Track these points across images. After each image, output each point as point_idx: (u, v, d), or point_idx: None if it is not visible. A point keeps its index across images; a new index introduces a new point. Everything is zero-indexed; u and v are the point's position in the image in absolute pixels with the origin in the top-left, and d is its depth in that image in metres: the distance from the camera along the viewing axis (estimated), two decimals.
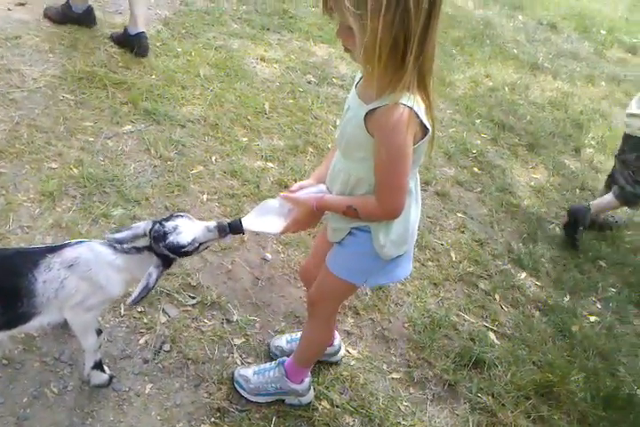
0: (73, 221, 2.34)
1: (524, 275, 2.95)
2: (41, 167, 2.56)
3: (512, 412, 2.21)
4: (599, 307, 2.91)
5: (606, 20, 7.15)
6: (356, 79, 1.54)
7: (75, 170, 2.60)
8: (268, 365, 2.06)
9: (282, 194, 1.64)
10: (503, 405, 2.23)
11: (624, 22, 7.43)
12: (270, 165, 3.09)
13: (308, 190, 1.64)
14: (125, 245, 1.64)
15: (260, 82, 3.79)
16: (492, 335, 2.54)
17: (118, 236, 1.64)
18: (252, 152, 3.14)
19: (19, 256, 1.60)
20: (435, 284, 2.72)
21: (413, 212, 1.59)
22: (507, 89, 4.75)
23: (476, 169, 3.67)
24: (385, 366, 2.27)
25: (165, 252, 1.60)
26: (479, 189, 3.49)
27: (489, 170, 3.69)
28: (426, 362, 2.33)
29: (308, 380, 2.03)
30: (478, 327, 2.56)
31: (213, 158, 3.00)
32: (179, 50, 3.81)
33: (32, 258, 1.57)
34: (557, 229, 3.37)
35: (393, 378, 2.23)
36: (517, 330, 2.60)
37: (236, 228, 1.62)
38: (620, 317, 2.87)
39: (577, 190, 3.76)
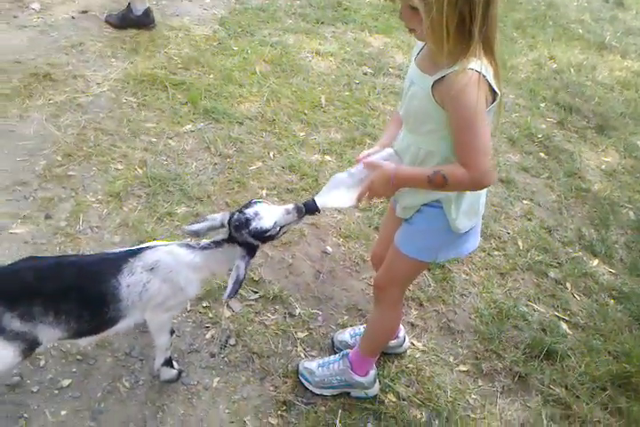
0: (139, 220, 2.42)
1: (596, 262, 2.82)
2: (107, 169, 2.66)
3: (587, 404, 2.12)
4: None
5: None
6: (414, 53, 1.54)
7: (139, 170, 2.69)
8: (332, 357, 2.06)
9: (360, 161, 1.60)
10: (577, 397, 2.14)
11: None
12: (328, 158, 3.09)
13: (378, 155, 1.60)
14: (204, 242, 1.66)
15: (316, 76, 3.80)
16: (564, 325, 2.45)
17: (195, 227, 1.66)
18: (310, 146, 3.15)
19: (102, 263, 1.63)
20: (501, 273, 2.65)
21: None
22: (572, 70, 4.56)
23: (542, 154, 3.54)
24: (451, 359, 2.22)
25: (249, 239, 1.59)
26: (546, 175, 3.36)
27: (556, 155, 3.55)
28: (494, 354, 2.27)
29: (373, 372, 2.01)
30: (549, 317, 2.47)
31: (271, 154, 3.02)
32: (235, 48, 3.86)
33: (115, 263, 1.59)
34: (631, 213, 3.20)
35: (460, 370, 2.19)
36: (591, 319, 2.49)
37: (311, 207, 1.60)
38: None
39: None
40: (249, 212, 1.58)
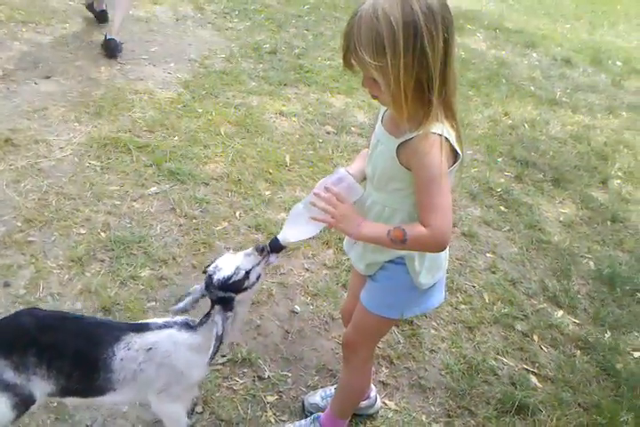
0: (102, 285, 2.38)
1: (561, 313, 2.86)
2: (69, 233, 2.63)
3: None
4: None
5: (620, 52, 7.18)
6: (381, 112, 1.58)
7: (102, 234, 2.66)
8: (303, 421, 2.02)
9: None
10: None
11: (638, 52, 7.43)
12: None
13: (330, 178, 1.57)
14: (201, 319, 1.63)
15: (280, 135, 3.88)
16: (533, 378, 2.45)
17: (180, 306, 1.63)
18: (276, 205, 3.18)
19: (102, 327, 1.60)
20: (469, 328, 2.66)
21: None
22: (527, 126, 4.76)
23: (502, 208, 3.63)
24: (424, 418, 2.19)
25: (220, 293, 1.56)
26: (507, 228, 3.44)
27: (515, 208, 3.65)
28: (467, 410, 2.25)
29: None
30: (518, 371, 2.47)
31: (237, 213, 3.04)
32: (199, 110, 3.94)
33: (115, 333, 1.57)
34: (591, 263, 3.29)
35: None
36: (559, 371, 2.50)
37: (275, 245, 1.58)
38: None
39: (608, 223, 3.68)
40: (210, 268, 1.58)
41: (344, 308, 2.04)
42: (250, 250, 1.59)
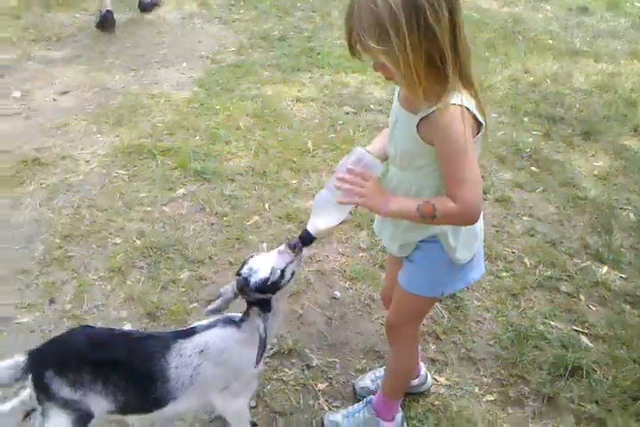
0: (144, 291, 2.44)
1: (605, 269, 2.80)
2: (106, 245, 2.70)
3: (621, 416, 2.07)
4: None
5: None
6: (396, 92, 1.57)
7: (138, 242, 2.72)
8: (356, 406, 2.04)
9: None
10: (610, 411, 2.10)
11: None
12: None
13: (348, 158, 1.54)
14: (241, 316, 1.64)
15: (300, 122, 3.87)
16: (584, 339, 2.41)
17: (213, 306, 1.64)
18: (303, 193, 3.18)
19: (151, 339, 1.63)
20: (513, 294, 2.63)
21: None
22: (549, 81, 4.62)
23: (533, 168, 3.55)
24: (477, 389, 2.19)
25: (257, 296, 1.56)
26: (541, 189, 3.37)
27: (547, 166, 3.56)
28: (520, 378, 2.24)
29: (399, 415, 1.99)
30: (568, 333, 2.44)
31: (267, 206, 3.06)
32: (217, 107, 3.96)
33: (164, 342, 1.59)
34: (632, 215, 3.19)
35: (488, 400, 2.15)
36: (611, 329, 2.46)
37: (307, 238, 1.57)
38: None
39: None
40: (243, 271, 1.56)
41: (383, 291, 2.05)
42: (282, 247, 1.57)
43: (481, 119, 1.38)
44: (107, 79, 4.24)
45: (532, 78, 4.66)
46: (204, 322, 1.69)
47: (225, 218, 2.93)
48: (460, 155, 1.36)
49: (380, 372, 2.14)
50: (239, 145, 3.56)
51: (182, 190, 3.11)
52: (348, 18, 1.32)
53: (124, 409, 1.58)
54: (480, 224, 1.63)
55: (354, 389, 2.14)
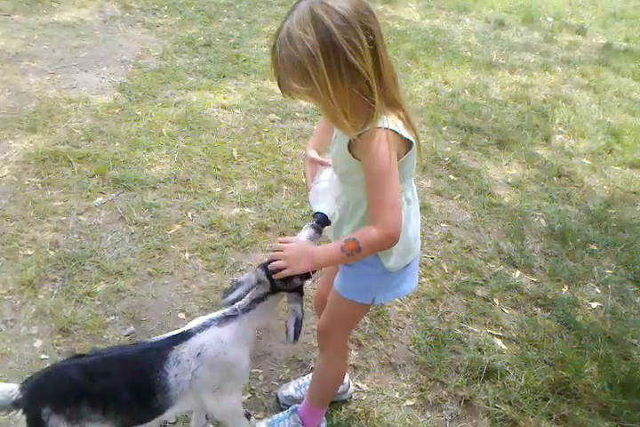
0: (57, 305, 2.34)
1: (518, 273, 2.93)
2: (16, 257, 2.57)
3: (532, 417, 2.17)
4: (598, 292, 2.88)
5: (550, 7, 7.27)
6: None
7: (51, 253, 2.61)
8: (281, 414, 2.04)
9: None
10: (522, 411, 2.19)
11: (568, 6, 7.54)
12: (248, 210, 3.11)
13: (326, 173, 1.69)
14: (246, 302, 1.63)
15: (225, 129, 3.84)
16: (498, 342, 2.52)
17: (233, 296, 1.63)
18: (228, 201, 3.16)
19: (146, 353, 1.58)
20: (432, 300, 2.71)
21: (413, 220, 1.65)
22: (467, 92, 4.80)
23: (451, 176, 3.68)
24: (397, 395, 2.24)
25: (298, 282, 1.61)
26: (459, 196, 3.50)
27: (465, 175, 3.70)
28: (438, 382, 2.30)
29: (324, 425, 2.01)
30: (483, 336, 2.54)
31: (189, 214, 3.01)
32: (138, 113, 3.87)
33: (159, 353, 1.56)
34: (542, 220, 3.37)
35: (407, 405, 2.20)
36: (523, 331, 2.58)
37: (323, 220, 1.65)
38: (621, 297, 2.86)
39: (554, 178, 3.77)
40: None
41: (317, 295, 2.06)
42: (312, 234, 1.62)
43: (410, 137, 1.43)
44: (20, 83, 4.06)
45: (450, 89, 4.83)
46: (199, 322, 1.66)
47: (145, 227, 2.86)
48: (382, 178, 1.42)
49: (304, 380, 2.15)
50: (161, 152, 3.49)
51: (100, 199, 3.01)
52: (273, 61, 1.36)
53: (125, 425, 1.54)
54: (416, 236, 1.69)
55: (277, 398, 2.13)
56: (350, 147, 1.46)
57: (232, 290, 1.64)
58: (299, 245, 1.56)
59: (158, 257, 2.69)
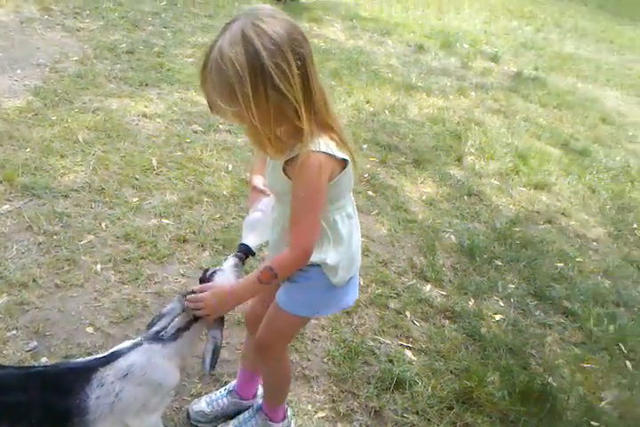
0: None
1: (429, 287, 3.05)
2: None
3: (438, 425, 2.26)
4: (502, 305, 3.05)
5: (467, 35, 7.66)
6: None
7: None
8: (246, 414, 2.06)
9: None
10: (429, 420, 2.28)
11: (483, 34, 7.98)
12: (166, 221, 3.06)
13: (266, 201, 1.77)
14: (170, 331, 1.61)
15: (145, 138, 3.78)
16: (408, 353, 2.60)
17: (158, 328, 1.61)
18: (145, 211, 3.10)
19: (70, 373, 1.52)
20: (347, 312, 2.76)
21: (355, 233, 1.69)
22: (387, 112, 4.97)
23: (370, 192, 3.79)
24: (310, 407, 2.26)
25: None
26: (376, 211, 3.60)
27: (382, 191, 3.82)
28: (350, 393, 2.35)
29: (289, 412, 2.10)
30: (394, 347, 2.62)
31: (103, 224, 2.93)
32: (53, 118, 3.74)
33: (83, 374, 1.50)
34: (452, 237, 3.52)
35: (319, 417, 2.22)
36: (431, 343, 2.68)
37: (248, 252, 1.74)
38: (523, 311, 3.03)
39: (465, 197, 3.96)
40: None
41: (251, 312, 2.03)
42: (233, 262, 1.69)
43: (344, 156, 1.47)
44: None
45: (372, 108, 4.98)
46: (127, 343, 1.62)
47: (55, 237, 2.76)
48: (305, 202, 1.47)
49: (216, 395, 2.13)
50: (76, 159, 3.39)
51: (7, 206, 2.88)
52: (203, 78, 1.37)
53: None
54: (358, 249, 1.74)
55: (188, 414, 2.10)
56: (285, 168, 1.49)
57: (154, 323, 1.64)
58: (214, 291, 1.60)
59: (67, 268, 2.60)
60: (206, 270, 1.73)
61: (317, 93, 1.41)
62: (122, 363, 1.55)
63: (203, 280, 1.70)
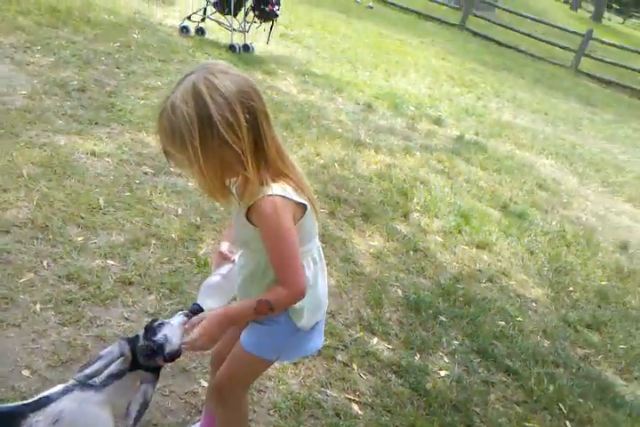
0: None
1: (376, 340, 3.06)
2: None
3: None
4: (447, 361, 3.08)
5: (413, 97, 8.04)
6: None
7: None
8: None
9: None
10: None
11: (428, 98, 8.39)
12: (111, 262, 2.97)
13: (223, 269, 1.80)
14: (102, 377, 1.55)
15: (93, 177, 3.70)
16: (355, 407, 2.58)
17: (91, 370, 1.53)
18: (90, 251, 3.00)
19: None
20: (294, 363, 2.72)
21: (320, 279, 1.72)
22: (336, 165, 5.08)
23: (320, 243, 3.80)
24: None
25: (162, 363, 1.64)
26: (325, 262, 3.60)
27: (332, 243, 3.85)
28: None
29: None
30: (341, 401, 2.59)
31: (45, 263, 2.82)
32: None
33: (12, 420, 1.41)
34: (399, 291, 3.57)
35: None
36: (378, 397, 2.67)
37: (198, 311, 1.72)
38: (467, 367, 3.07)
39: (411, 252, 4.04)
40: (159, 338, 1.60)
41: (217, 353, 2.01)
42: (182, 320, 1.68)
43: (302, 200, 1.52)
44: None
45: (322, 161, 5.09)
46: (59, 388, 1.54)
47: None
48: (278, 242, 1.51)
49: None
50: (19, 194, 3.27)
51: None
52: (159, 125, 1.44)
53: None
54: (325, 292, 1.76)
55: None
56: (247, 215, 1.52)
57: (90, 364, 1.57)
58: (206, 323, 1.60)
59: (5, 307, 2.47)
60: (154, 320, 1.71)
61: (270, 144, 1.48)
62: (52, 409, 1.49)
63: (147, 329, 1.67)
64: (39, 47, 5.56)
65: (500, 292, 3.89)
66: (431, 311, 3.43)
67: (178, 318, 1.69)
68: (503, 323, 3.53)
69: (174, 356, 1.64)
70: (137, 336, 1.65)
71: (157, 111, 1.45)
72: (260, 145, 1.45)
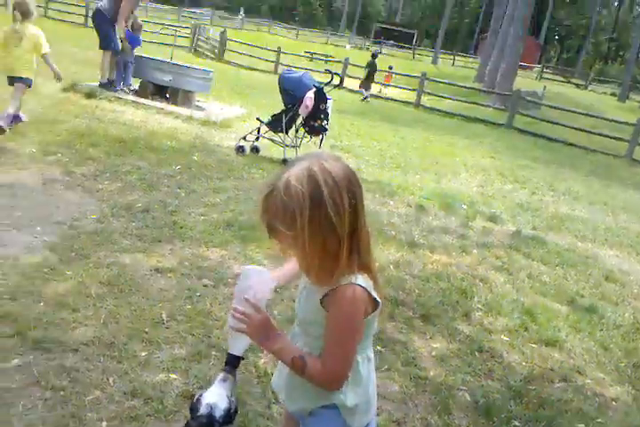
0: None
1: None
2: None
3: None
4: None
5: (465, 196, 8.12)
6: None
7: None
8: None
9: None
10: None
11: (480, 196, 8.45)
12: (173, 376, 3.01)
13: (238, 285, 1.76)
14: None
15: (156, 292, 3.85)
16: None
17: None
18: (153, 365, 3.06)
19: None
20: None
21: (373, 377, 1.72)
22: (392, 267, 5.09)
23: (379, 347, 3.74)
24: None
25: None
26: (386, 367, 3.53)
27: (392, 346, 3.78)
28: None
29: None
30: None
31: (111, 380, 2.88)
32: (68, 273, 3.85)
33: None
34: (467, 395, 3.40)
35: None
36: None
37: (234, 361, 1.72)
38: None
39: (476, 353, 3.89)
40: (202, 410, 1.59)
41: None
42: (223, 375, 1.68)
43: (378, 298, 1.58)
44: None
45: (377, 263, 5.09)
46: None
47: (62, 392, 2.69)
48: (343, 330, 1.53)
49: None
50: (88, 313, 3.42)
51: (16, 361, 2.86)
52: (266, 204, 1.53)
53: None
54: (374, 392, 1.74)
55: None
56: (322, 299, 1.57)
57: None
58: (263, 321, 1.60)
59: (73, 425, 2.51)
60: (192, 396, 1.74)
61: (364, 234, 1.57)
62: None
63: (191, 409, 1.65)
64: (108, 174, 6.05)
65: (576, 391, 3.64)
66: (503, 416, 3.23)
67: (218, 377, 1.69)
68: (582, 425, 3.27)
69: (228, 418, 1.60)
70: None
71: (263, 191, 1.54)
72: (356, 233, 1.53)
